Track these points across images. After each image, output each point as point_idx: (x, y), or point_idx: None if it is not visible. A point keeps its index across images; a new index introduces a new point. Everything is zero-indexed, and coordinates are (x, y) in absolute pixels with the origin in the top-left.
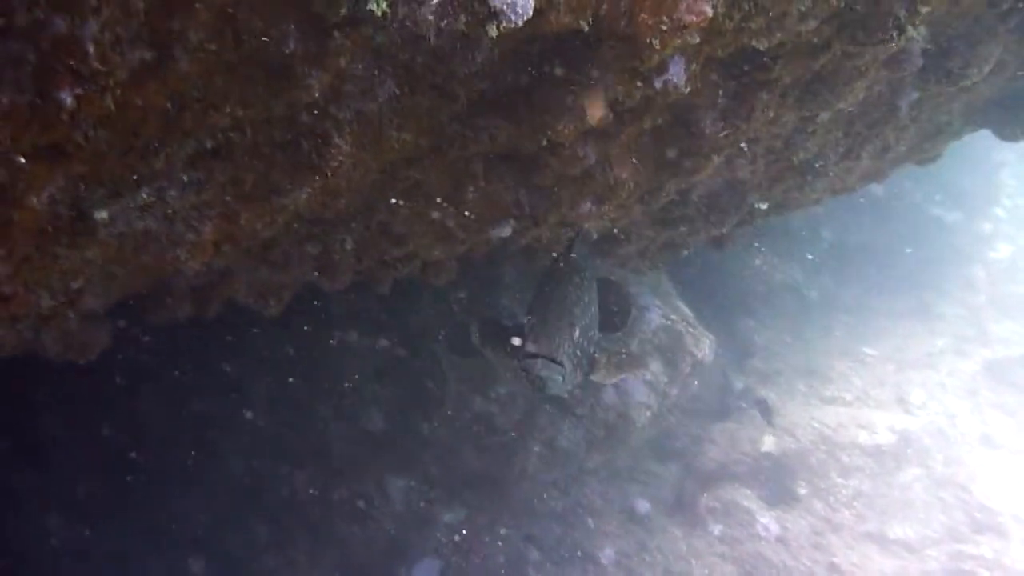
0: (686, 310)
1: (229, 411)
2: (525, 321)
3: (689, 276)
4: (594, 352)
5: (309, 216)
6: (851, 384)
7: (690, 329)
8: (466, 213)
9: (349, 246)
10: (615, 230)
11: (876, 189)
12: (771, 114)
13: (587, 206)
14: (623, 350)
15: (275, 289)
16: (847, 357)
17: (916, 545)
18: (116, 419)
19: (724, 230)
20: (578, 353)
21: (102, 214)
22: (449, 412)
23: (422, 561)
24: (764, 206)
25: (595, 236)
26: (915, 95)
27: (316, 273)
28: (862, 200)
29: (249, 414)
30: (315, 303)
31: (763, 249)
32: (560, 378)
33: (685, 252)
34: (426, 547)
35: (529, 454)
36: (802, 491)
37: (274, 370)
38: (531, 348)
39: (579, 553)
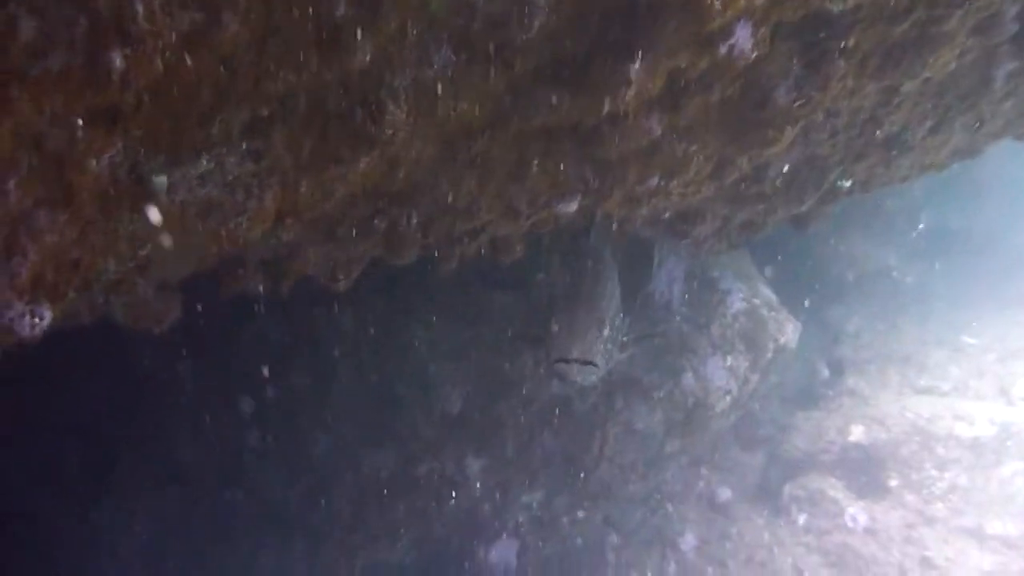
0: (770, 294)
1: (314, 389)
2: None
3: (777, 261)
4: (622, 338)
5: (371, 189)
6: (948, 374)
7: (773, 314)
8: (530, 188)
9: (415, 220)
10: (689, 208)
11: (977, 170)
12: (850, 83)
13: (655, 181)
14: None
15: (343, 264)
16: (944, 346)
17: (1017, 542)
18: (197, 393)
19: (804, 208)
20: (608, 346)
21: (161, 179)
22: (525, 393)
23: (500, 540)
24: (847, 183)
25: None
26: (1011, 65)
27: (383, 248)
28: (962, 182)
29: (333, 392)
30: (394, 289)
31: (856, 233)
32: (595, 377)
33: (765, 232)
34: (504, 527)
35: (607, 437)
36: (893, 483)
37: (356, 351)
38: (560, 353)
39: (659, 538)
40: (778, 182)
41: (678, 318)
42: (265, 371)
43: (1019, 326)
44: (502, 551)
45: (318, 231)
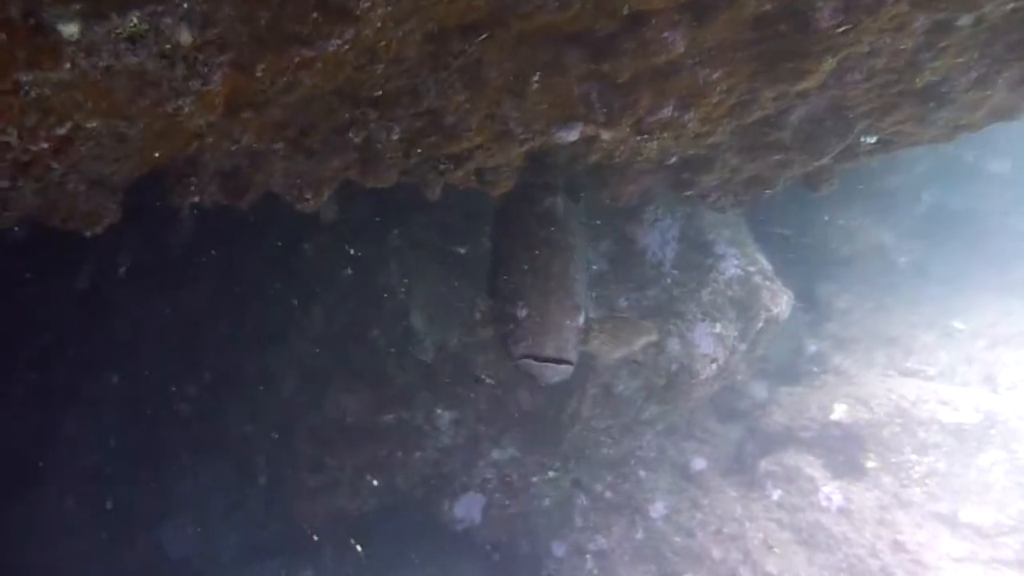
0: (765, 263)
1: (283, 324)
2: (505, 289)
3: (769, 232)
4: (588, 318)
5: (345, 88)
6: (936, 358)
7: (768, 283)
8: (528, 106)
9: (396, 136)
10: (695, 154)
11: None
12: (904, 8)
13: (668, 111)
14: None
15: (312, 183)
16: (934, 329)
17: (990, 531)
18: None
19: (824, 161)
20: (580, 335)
21: (71, 28)
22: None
23: (466, 495)
24: (872, 140)
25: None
26: None
27: (359, 168)
28: (969, 162)
29: (304, 329)
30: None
31: (854, 208)
32: (567, 375)
33: (774, 190)
34: (471, 483)
35: (584, 398)
36: (871, 464)
37: (331, 288)
38: (531, 349)
39: (628, 504)
40: (799, 130)
41: (668, 280)
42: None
43: (1012, 314)
44: (467, 506)
45: (284, 139)
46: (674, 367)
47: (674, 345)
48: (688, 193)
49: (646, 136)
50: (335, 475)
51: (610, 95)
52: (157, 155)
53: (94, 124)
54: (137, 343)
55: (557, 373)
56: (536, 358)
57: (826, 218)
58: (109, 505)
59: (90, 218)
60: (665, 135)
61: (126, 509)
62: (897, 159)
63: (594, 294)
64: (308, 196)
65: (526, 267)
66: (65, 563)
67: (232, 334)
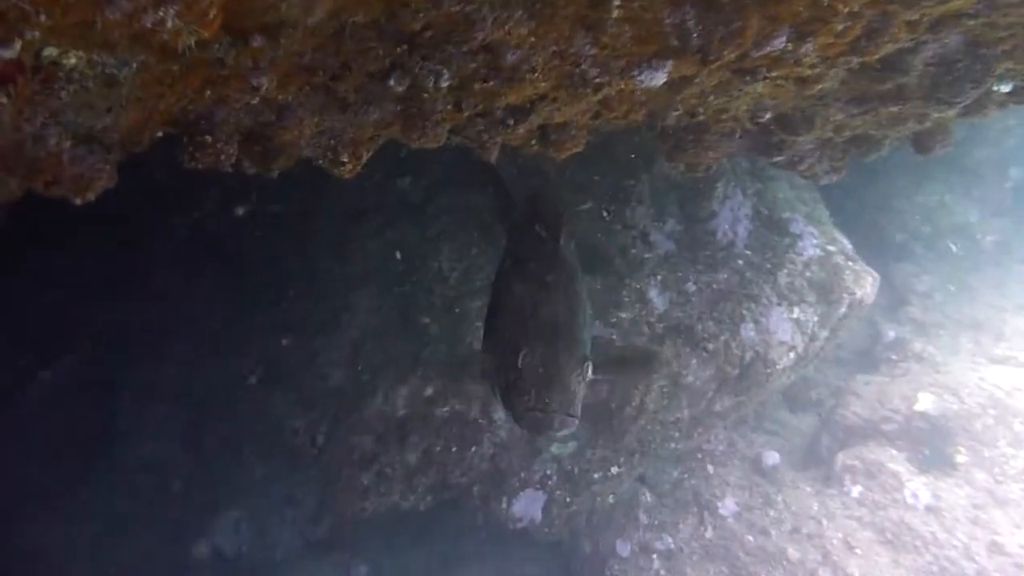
0: (846, 242)
1: (331, 312)
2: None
3: (846, 209)
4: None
5: (383, 18)
6: None
7: (850, 263)
8: (606, 40)
9: (445, 82)
10: (794, 108)
11: None
12: None
13: (780, 41)
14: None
15: (348, 142)
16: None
17: None
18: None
19: (949, 113)
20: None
21: None
22: None
23: (524, 492)
24: (1006, 88)
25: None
26: None
27: (401, 123)
28: None
29: (353, 318)
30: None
31: (935, 183)
32: (574, 429)
33: (879, 153)
34: (530, 479)
35: (650, 389)
36: (961, 459)
37: (380, 274)
38: (539, 403)
39: (696, 501)
40: (924, 75)
41: (740, 262)
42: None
43: None
44: (526, 504)
45: (313, 86)
46: (748, 356)
47: (748, 332)
48: (778, 158)
49: (748, 77)
50: (388, 471)
51: (710, 21)
52: (161, 106)
53: (72, 61)
54: (189, 331)
55: (564, 424)
56: (542, 411)
57: (906, 193)
58: (164, 497)
59: (79, 183)
60: (774, 74)
61: (181, 502)
62: (985, 130)
63: (659, 276)
64: (345, 159)
65: (528, 313)
66: (118, 556)
67: (278, 321)
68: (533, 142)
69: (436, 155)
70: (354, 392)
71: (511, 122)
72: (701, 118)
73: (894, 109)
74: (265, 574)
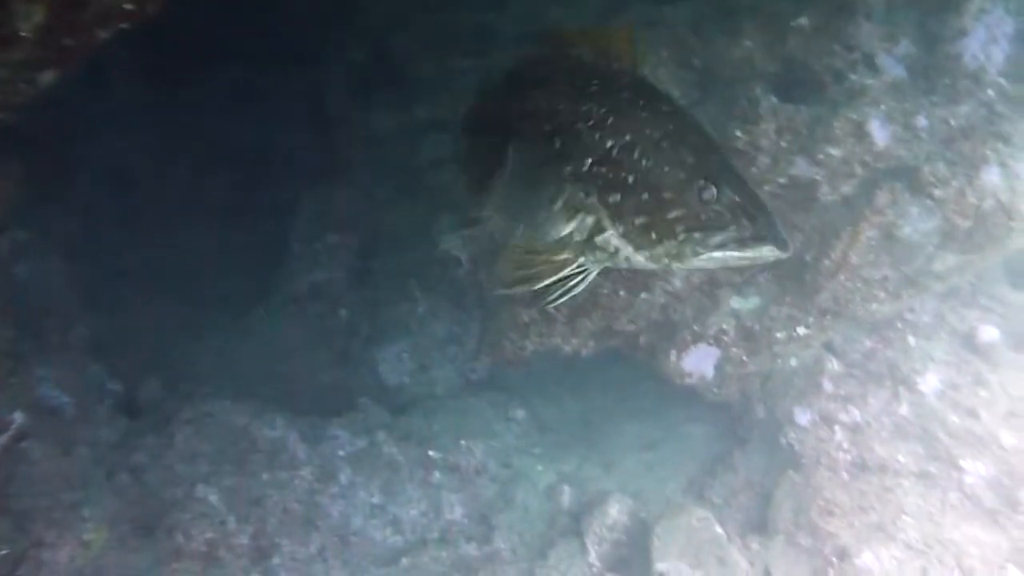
0: None
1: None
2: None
3: None
4: None
5: None
6: None
7: None
8: None
9: None
10: None
11: None
12: None
13: None
14: None
15: None
16: None
17: None
18: None
19: None
20: None
21: None
22: (753, 171)
23: (697, 347)
24: None
25: None
26: None
27: None
28: None
29: None
30: None
31: None
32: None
33: None
34: (704, 332)
35: (857, 240)
36: None
37: None
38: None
39: (891, 374)
40: None
41: (991, 92)
42: None
43: None
44: (697, 359)
45: None
46: (987, 204)
47: (991, 176)
48: None
49: None
50: (551, 310)
51: None
52: None
53: None
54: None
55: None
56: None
57: None
58: (330, 324)
59: None
60: None
61: (346, 330)
62: None
63: (882, 107)
64: None
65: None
66: (289, 376)
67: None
68: None
69: None
70: None
71: None
72: None
73: None
74: (425, 404)
